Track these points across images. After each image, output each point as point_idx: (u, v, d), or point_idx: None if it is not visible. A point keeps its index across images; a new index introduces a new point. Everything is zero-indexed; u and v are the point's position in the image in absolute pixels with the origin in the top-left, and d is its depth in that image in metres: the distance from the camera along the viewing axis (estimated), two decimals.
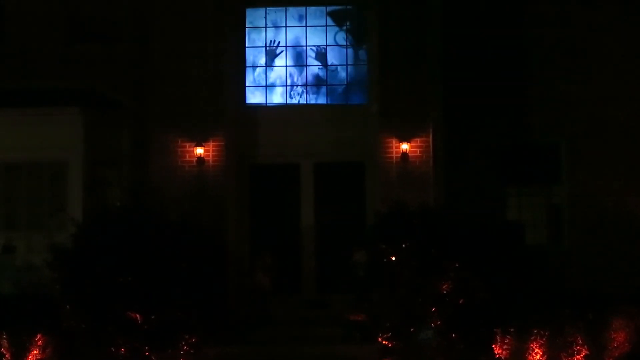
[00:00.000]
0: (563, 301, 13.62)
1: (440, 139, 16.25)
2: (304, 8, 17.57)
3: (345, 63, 17.57)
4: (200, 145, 16.20)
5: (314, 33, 17.59)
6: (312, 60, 17.60)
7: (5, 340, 13.19)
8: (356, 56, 17.57)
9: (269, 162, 17.28)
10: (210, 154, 16.23)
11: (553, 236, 17.44)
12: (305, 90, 17.60)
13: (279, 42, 17.63)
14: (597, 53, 17.40)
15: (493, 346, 13.41)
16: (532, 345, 13.22)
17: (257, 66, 17.64)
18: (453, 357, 13.43)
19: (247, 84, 17.56)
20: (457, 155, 16.82)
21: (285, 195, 17.27)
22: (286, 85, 17.62)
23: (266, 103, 17.60)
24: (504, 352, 13.34)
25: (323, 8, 17.56)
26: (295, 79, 17.63)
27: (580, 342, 13.25)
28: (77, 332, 13.08)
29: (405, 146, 16.14)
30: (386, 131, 16.23)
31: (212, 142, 16.26)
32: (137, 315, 13.01)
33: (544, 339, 13.19)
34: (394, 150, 16.20)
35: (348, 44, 17.60)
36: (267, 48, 17.64)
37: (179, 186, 16.09)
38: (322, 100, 17.58)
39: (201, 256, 13.39)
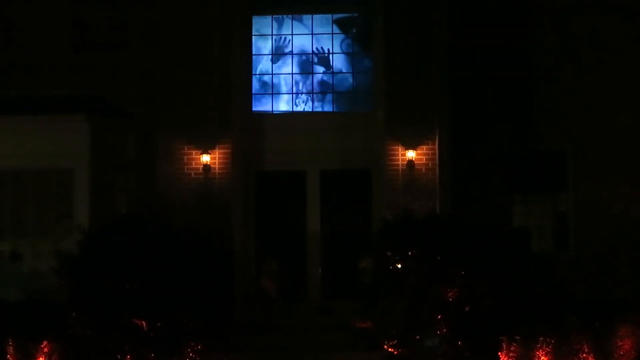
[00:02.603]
0: (569, 309, 13.59)
1: (447, 146, 16.23)
2: (310, 16, 17.60)
3: (351, 70, 17.59)
4: (207, 153, 16.23)
5: (320, 40, 17.62)
6: (318, 68, 17.63)
7: (11, 347, 13.21)
8: (362, 63, 17.58)
9: (275, 169, 17.30)
10: (217, 161, 16.26)
11: (559, 243, 17.41)
12: (311, 98, 17.62)
13: (285, 50, 17.67)
14: (603, 60, 17.39)
15: (499, 354, 13.38)
16: (538, 352, 13.19)
17: (263, 74, 17.68)
18: None
19: (253, 92, 17.59)
20: (463, 162, 16.80)
21: (291, 202, 17.28)
22: (292, 93, 17.64)
23: (272, 110, 17.62)
24: (510, 359, 13.31)
25: (329, 16, 17.60)
26: (301, 87, 17.66)
27: (586, 349, 13.22)
28: (83, 338, 13.10)
29: (411, 153, 16.14)
30: (392, 138, 16.23)
31: (219, 149, 16.28)
32: (143, 322, 13.02)
33: (550, 347, 13.16)
34: (400, 157, 16.20)
35: (354, 51, 17.62)
36: (273, 56, 17.67)
37: (185, 193, 16.12)
38: (328, 107, 17.60)
39: (207, 263, 13.40)
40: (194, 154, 16.30)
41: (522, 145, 17.47)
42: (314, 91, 17.62)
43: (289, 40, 17.65)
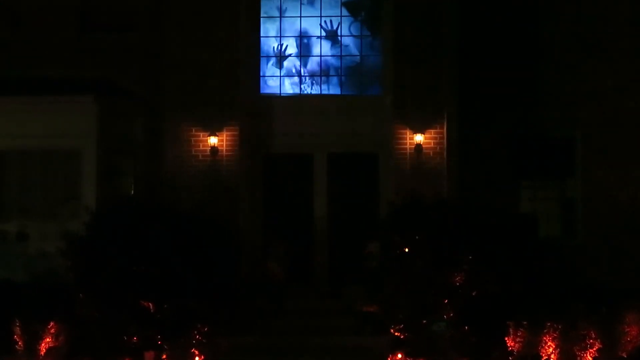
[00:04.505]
0: (576, 295, 13.56)
1: (455, 131, 16.20)
2: None
3: (359, 54, 17.52)
4: (214, 135, 16.21)
5: (329, 23, 17.54)
6: (326, 51, 17.56)
7: (18, 328, 13.22)
8: (371, 47, 17.51)
9: (282, 152, 17.27)
10: (224, 143, 16.25)
11: (567, 229, 17.39)
12: (319, 81, 17.56)
13: (293, 32, 17.60)
14: (611, 45, 17.32)
15: (506, 339, 13.35)
16: (544, 338, 13.16)
17: (271, 56, 17.62)
18: (465, 350, 13.38)
19: (261, 74, 17.54)
20: (471, 147, 16.76)
21: (299, 185, 17.26)
22: (300, 75, 17.60)
23: (280, 93, 17.58)
24: (516, 344, 13.29)
25: None
26: (309, 69, 17.60)
27: (593, 335, 13.18)
28: (90, 320, 13.11)
29: (419, 137, 16.10)
30: (400, 122, 16.19)
31: (226, 131, 16.27)
32: (150, 304, 13.03)
33: (556, 333, 13.14)
34: (408, 141, 16.17)
35: (363, 34, 17.55)
36: (282, 38, 17.60)
37: (192, 175, 16.13)
38: (336, 90, 17.55)
39: (214, 246, 13.39)
40: (201, 136, 16.30)
41: (530, 131, 17.42)
42: (322, 74, 17.57)
43: (297, 22, 17.57)
